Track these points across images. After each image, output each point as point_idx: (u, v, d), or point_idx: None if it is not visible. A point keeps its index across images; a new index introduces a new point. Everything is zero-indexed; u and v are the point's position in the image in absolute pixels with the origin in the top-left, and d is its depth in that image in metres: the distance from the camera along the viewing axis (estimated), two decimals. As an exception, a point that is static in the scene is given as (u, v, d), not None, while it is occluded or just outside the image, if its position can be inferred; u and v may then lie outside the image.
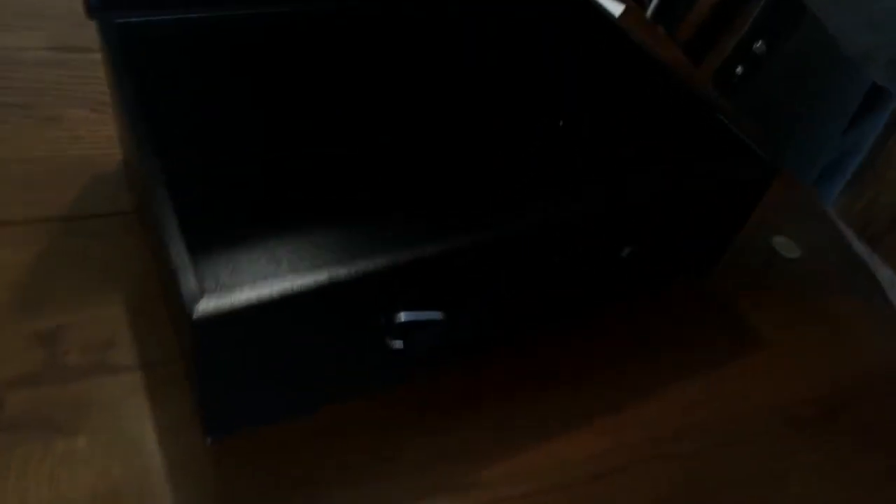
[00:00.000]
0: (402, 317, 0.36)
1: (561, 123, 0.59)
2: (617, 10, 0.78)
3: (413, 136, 0.52)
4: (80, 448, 0.35)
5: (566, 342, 0.46)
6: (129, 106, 0.37)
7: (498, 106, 0.57)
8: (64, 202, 0.46)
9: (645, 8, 0.83)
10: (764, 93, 0.71)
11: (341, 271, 0.32)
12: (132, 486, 0.35)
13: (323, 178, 0.48)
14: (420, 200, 0.48)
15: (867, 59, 0.43)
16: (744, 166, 0.44)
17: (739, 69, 0.75)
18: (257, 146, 0.47)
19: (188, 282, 0.30)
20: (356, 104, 0.50)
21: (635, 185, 0.40)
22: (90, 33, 0.58)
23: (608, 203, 0.39)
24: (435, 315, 0.37)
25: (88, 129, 0.51)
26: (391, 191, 0.48)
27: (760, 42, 0.72)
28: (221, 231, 0.42)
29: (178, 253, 0.30)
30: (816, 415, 0.46)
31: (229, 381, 0.34)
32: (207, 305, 0.29)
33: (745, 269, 0.54)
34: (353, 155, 0.49)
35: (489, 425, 0.41)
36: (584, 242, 0.40)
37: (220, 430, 0.37)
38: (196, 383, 0.34)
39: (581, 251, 0.41)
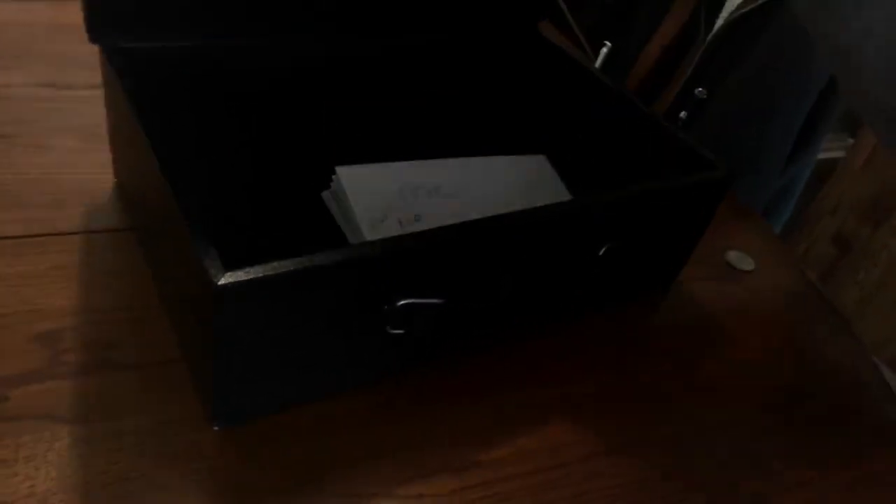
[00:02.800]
0: (402, 302, 0.38)
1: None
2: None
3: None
4: (88, 436, 0.36)
5: (549, 347, 0.48)
6: (140, 117, 0.39)
7: (474, 141, 0.61)
8: (59, 220, 0.47)
9: (593, 61, 0.90)
10: (707, 135, 0.77)
11: (349, 253, 0.34)
12: (140, 471, 0.35)
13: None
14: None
15: None
16: (708, 171, 0.49)
17: (683, 114, 0.81)
18: (251, 163, 0.50)
19: (213, 259, 0.31)
20: (351, 129, 0.54)
21: (614, 185, 0.44)
22: (73, 71, 0.61)
23: (591, 197, 0.43)
24: (434, 301, 0.39)
25: (79, 156, 0.53)
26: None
27: (701, 88, 0.79)
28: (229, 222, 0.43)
29: (201, 237, 0.32)
30: (785, 401, 0.50)
31: (240, 362, 0.35)
32: (229, 278, 0.31)
33: (702, 280, 0.58)
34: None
35: (484, 413, 0.43)
36: (569, 233, 0.44)
37: (227, 418, 0.38)
38: (209, 364, 0.35)
39: (565, 242, 0.44)
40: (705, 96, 0.80)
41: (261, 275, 0.32)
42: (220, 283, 0.31)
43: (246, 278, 0.31)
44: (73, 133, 0.55)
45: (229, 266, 0.31)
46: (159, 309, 0.43)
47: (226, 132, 0.48)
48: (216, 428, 0.38)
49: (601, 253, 0.46)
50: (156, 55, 0.46)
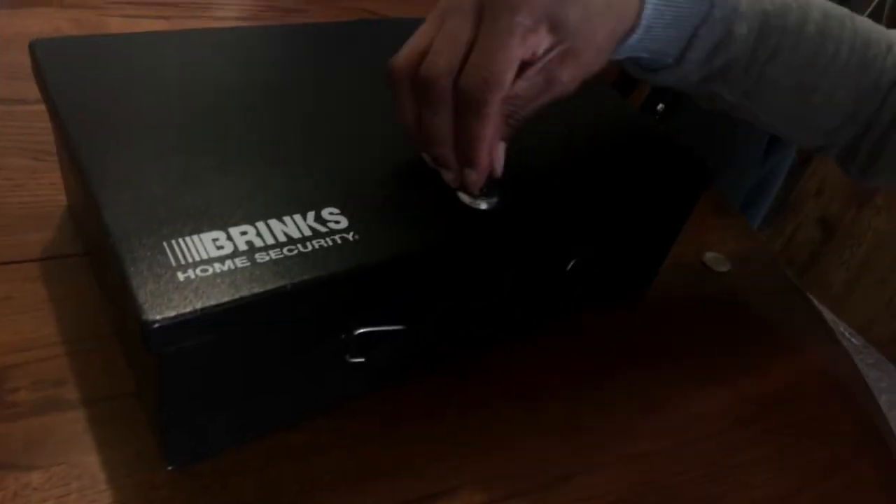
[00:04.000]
0: (360, 330, 0.37)
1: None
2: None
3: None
4: (35, 483, 0.34)
5: (521, 356, 0.47)
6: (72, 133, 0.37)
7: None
8: (6, 247, 0.45)
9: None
10: (685, 126, 0.76)
11: (298, 282, 0.33)
12: (89, 519, 0.34)
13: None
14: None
15: (819, 152, 0.50)
16: (683, 167, 0.47)
17: (661, 106, 0.80)
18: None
19: (146, 294, 0.30)
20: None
21: (583, 185, 0.42)
22: (22, 85, 0.58)
23: (559, 204, 0.41)
24: (393, 328, 0.38)
25: (29, 176, 0.51)
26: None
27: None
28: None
29: (137, 269, 0.31)
30: (758, 413, 0.48)
31: (191, 398, 0.34)
32: (167, 313, 0.29)
33: (679, 283, 0.57)
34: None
35: (453, 435, 0.41)
36: (538, 244, 0.42)
37: (180, 456, 0.36)
38: (156, 406, 0.34)
39: (534, 254, 0.43)
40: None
41: (200, 308, 0.30)
42: (154, 319, 0.29)
43: (183, 314, 0.30)
44: (24, 151, 0.53)
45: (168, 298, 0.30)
46: (112, 340, 0.42)
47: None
48: (170, 468, 0.36)
49: (570, 267, 0.45)
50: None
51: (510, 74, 0.35)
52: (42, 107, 0.49)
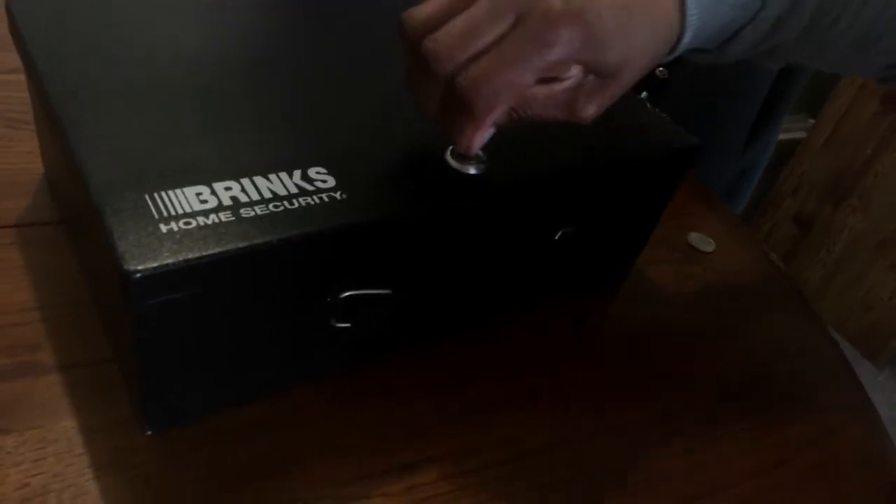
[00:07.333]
0: (346, 293, 0.36)
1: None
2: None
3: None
4: (8, 446, 0.33)
5: (509, 331, 0.47)
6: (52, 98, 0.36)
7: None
8: (-19, 213, 0.44)
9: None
10: (668, 113, 0.76)
11: (286, 236, 0.32)
12: (65, 482, 0.33)
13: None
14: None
15: (883, 83, 0.46)
16: (671, 139, 0.47)
17: (644, 94, 0.80)
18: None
19: (128, 244, 0.29)
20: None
21: (572, 152, 0.42)
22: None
23: (552, 169, 0.41)
24: (380, 291, 0.37)
25: (4, 145, 0.50)
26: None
27: (662, 68, 0.78)
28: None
29: (116, 224, 0.30)
30: (741, 388, 0.49)
31: (169, 361, 0.33)
32: (149, 263, 0.29)
33: (664, 262, 0.57)
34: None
35: (434, 408, 0.41)
36: (526, 212, 0.42)
37: (159, 421, 0.35)
38: (135, 368, 0.33)
39: (520, 226, 0.42)
40: (667, 76, 0.79)
41: (182, 260, 0.29)
42: (136, 269, 0.28)
43: (165, 265, 0.29)
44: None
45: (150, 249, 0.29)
46: (90, 307, 0.41)
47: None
48: (148, 432, 0.35)
49: (558, 237, 0.45)
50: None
51: (513, 95, 0.32)
52: (17, 76, 0.48)
